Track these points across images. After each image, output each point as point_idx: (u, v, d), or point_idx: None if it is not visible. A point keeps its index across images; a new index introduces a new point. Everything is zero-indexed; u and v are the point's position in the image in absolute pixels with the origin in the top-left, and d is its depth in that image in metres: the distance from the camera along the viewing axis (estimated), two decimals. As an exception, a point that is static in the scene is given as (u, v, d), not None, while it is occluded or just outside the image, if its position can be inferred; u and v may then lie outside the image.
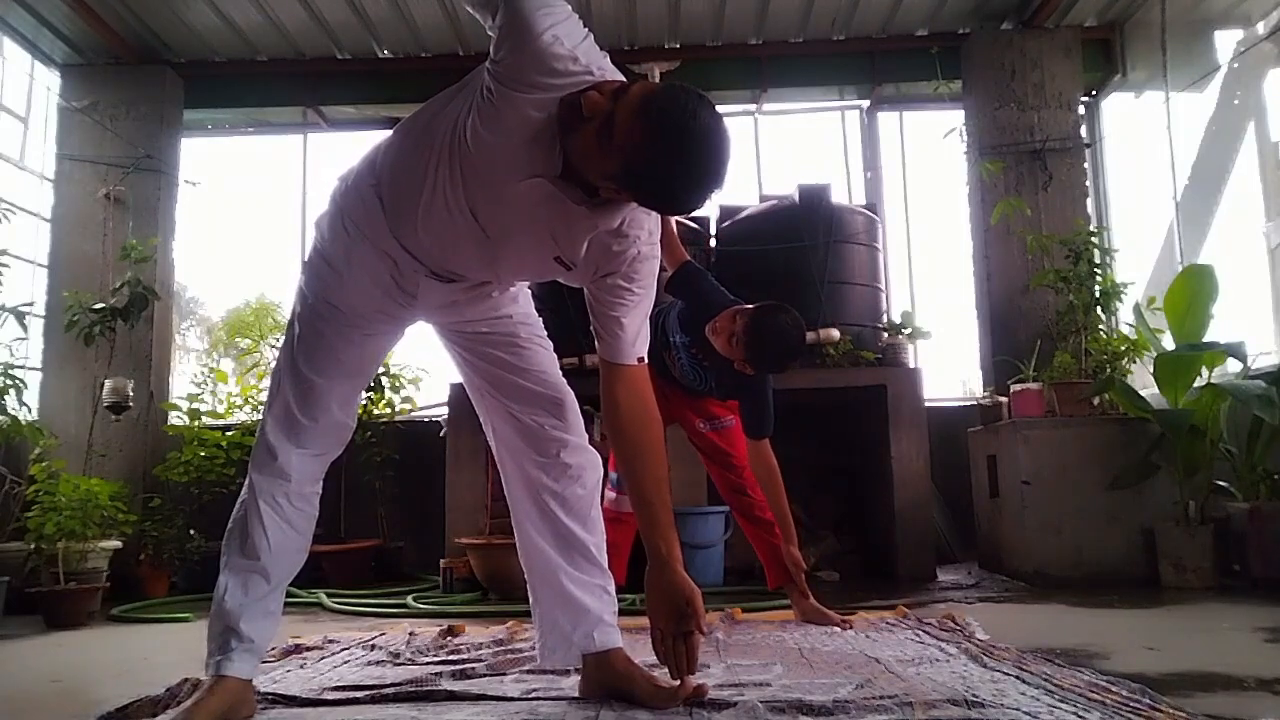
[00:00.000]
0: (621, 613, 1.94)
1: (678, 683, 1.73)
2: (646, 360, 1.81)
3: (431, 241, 1.66)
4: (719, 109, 1.47)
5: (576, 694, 1.84)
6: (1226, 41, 4.70)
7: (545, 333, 1.97)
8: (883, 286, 5.01)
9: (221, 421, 5.03)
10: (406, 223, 1.65)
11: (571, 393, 1.94)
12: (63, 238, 5.18)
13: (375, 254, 1.70)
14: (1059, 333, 4.61)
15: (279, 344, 5.80)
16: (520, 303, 1.93)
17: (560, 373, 1.95)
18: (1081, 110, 5.33)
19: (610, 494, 2.84)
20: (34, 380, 4.82)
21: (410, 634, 2.71)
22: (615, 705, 1.75)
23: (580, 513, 1.89)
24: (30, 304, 4.31)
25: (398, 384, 5.16)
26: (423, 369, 5.21)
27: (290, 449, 1.77)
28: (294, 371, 1.78)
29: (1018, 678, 1.88)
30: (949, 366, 5.69)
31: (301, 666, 2.26)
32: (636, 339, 1.76)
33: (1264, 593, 3.30)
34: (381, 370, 5.00)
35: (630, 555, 2.90)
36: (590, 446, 1.94)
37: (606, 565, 1.93)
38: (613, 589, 1.92)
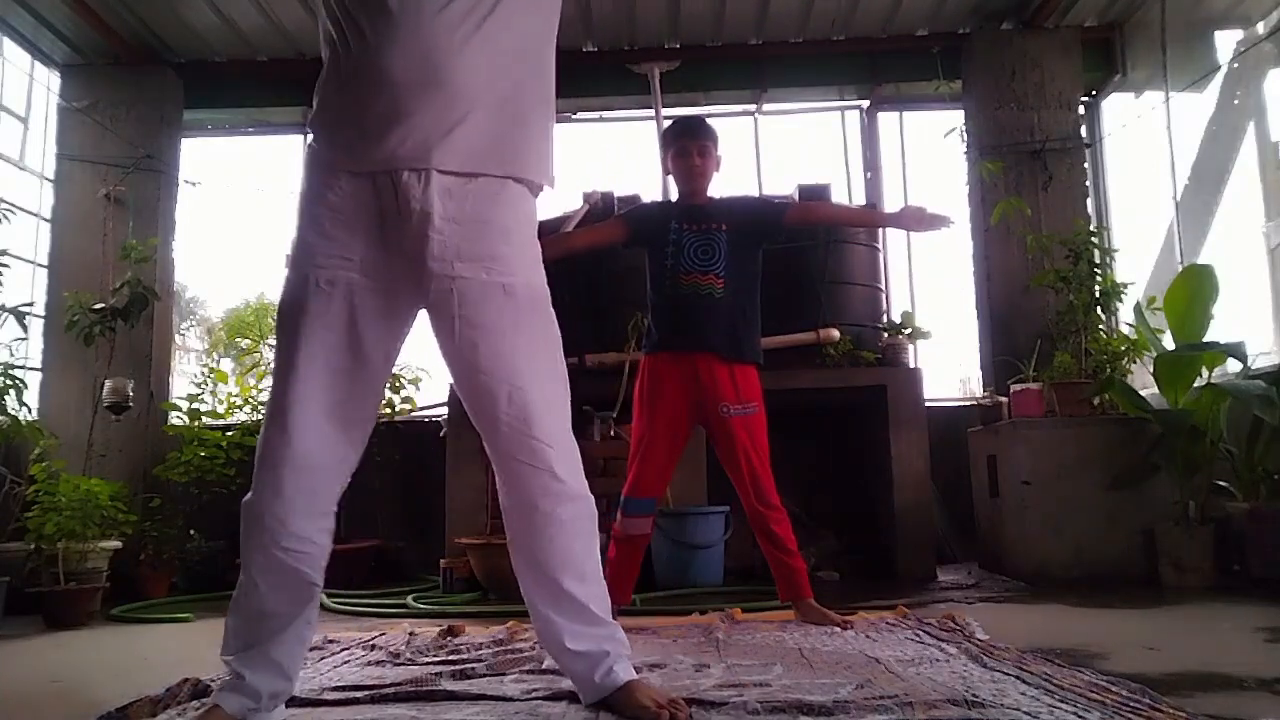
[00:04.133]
0: (623, 613, 1.92)
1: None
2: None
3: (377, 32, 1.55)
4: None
5: (577, 693, 1.83)
6: (1226, 41, 4.70)
7: (552, 318, 1.74)
8: (883, 286, 5.01)
9: (221, 422, 5.03)
10: (345, 79, 1.60)
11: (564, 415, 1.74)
12: (63, 238, 5.18)
13: (352, 183, 1.60)
14: (1059, 333, 4.60)
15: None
16: (514, 246, 1.67)
17: (559, 398, 1.72)
18: (1081, 110, 5.33)
19: (618, 516, 2.80)
20: (34, 380, 4.82)
21: (410, 634, 2.70)
22: (615, 705, 1.75)
23: (575, 568, 1.71)
24: (30, 304, 4.30)
25: (398, 384, 5.16)
26: (423, 369, 5.22)
27: (267, 475, 1.58)
28: (275, 374, 1.62)
29: (1018, 678, 1.88)
30: (949, 366, 5.70)
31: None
32: None
33: (1264, 593, 3.30)
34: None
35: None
36: (583, 491, 1.73)
37: (608, 612, 1.79)
38: (621, 633, 1.78)
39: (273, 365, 1.66)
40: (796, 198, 4.66)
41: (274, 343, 1.67)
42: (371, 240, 1.61)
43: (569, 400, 1.77)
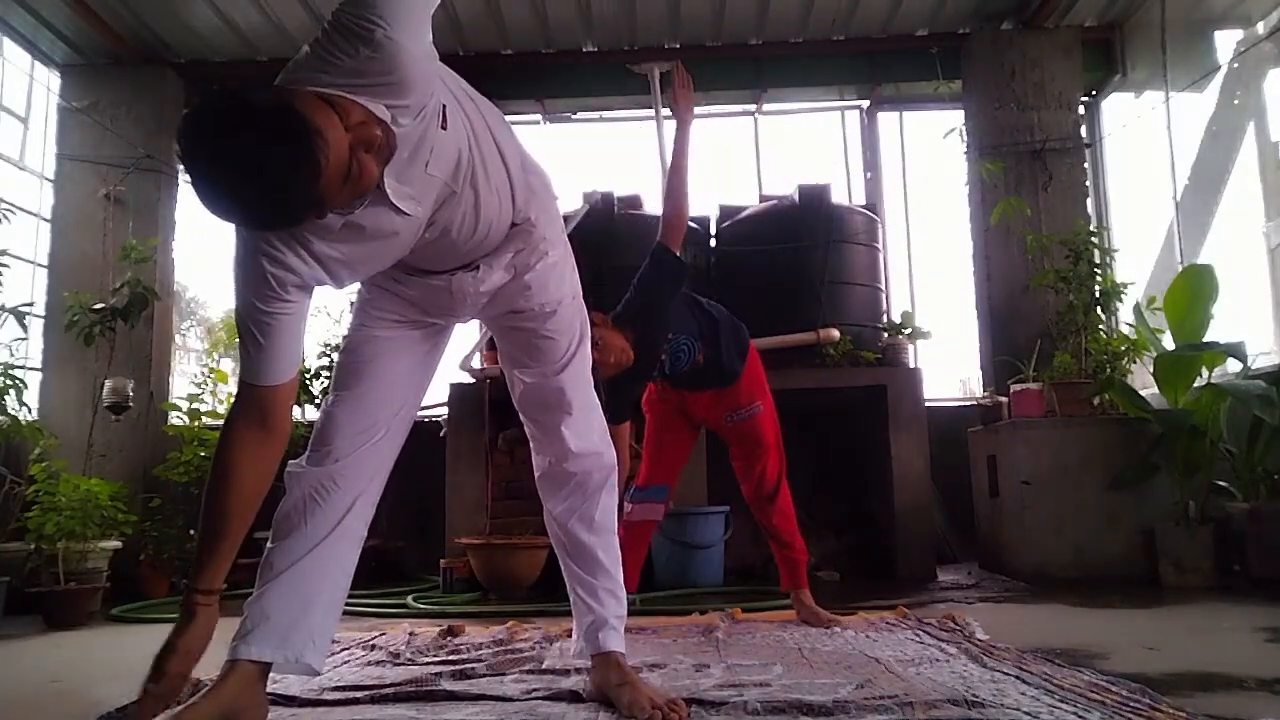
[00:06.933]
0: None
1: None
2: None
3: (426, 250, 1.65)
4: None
5: (577, 693, 1.84)
6: (1226, 41, 4.70)
7: (581, 319, 1.92)
8: (883, 286, 5.01)
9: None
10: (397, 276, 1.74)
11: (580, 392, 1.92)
12: (63, 238, 5.18)
13: (417, 280, 1.76)
14: (1059, 333, 4.61)
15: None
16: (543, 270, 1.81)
17: (580, 369, 1.92)
18: (1081, 110, 5.34)
19: (627, 505, 2.82)
20: (34, 380, 4.82)
21: (410, 634, 2.71)
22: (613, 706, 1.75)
23: (585, 517, 1.91)
24: (30, 304, 4.31)
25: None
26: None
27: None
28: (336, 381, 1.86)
29: (1018, 678, 1.89)
30: (949, 366, 5.69)
31: (301, 666, 2.25)
32: None
33: (1264, 593, 3.30)
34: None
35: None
36: (595, 449, 1.91)
37: (618, 566, 1.94)
38: (621, 592, 1.94)
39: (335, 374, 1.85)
40: (797, 198, 4.66)
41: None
42: (429, 307, 1.80)
43: (589, 369, 1.95)
